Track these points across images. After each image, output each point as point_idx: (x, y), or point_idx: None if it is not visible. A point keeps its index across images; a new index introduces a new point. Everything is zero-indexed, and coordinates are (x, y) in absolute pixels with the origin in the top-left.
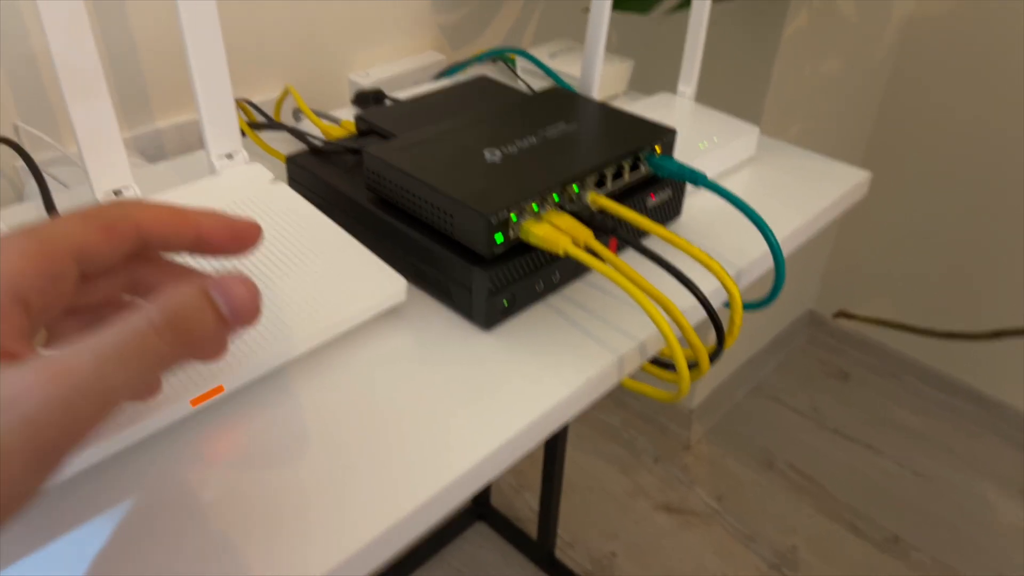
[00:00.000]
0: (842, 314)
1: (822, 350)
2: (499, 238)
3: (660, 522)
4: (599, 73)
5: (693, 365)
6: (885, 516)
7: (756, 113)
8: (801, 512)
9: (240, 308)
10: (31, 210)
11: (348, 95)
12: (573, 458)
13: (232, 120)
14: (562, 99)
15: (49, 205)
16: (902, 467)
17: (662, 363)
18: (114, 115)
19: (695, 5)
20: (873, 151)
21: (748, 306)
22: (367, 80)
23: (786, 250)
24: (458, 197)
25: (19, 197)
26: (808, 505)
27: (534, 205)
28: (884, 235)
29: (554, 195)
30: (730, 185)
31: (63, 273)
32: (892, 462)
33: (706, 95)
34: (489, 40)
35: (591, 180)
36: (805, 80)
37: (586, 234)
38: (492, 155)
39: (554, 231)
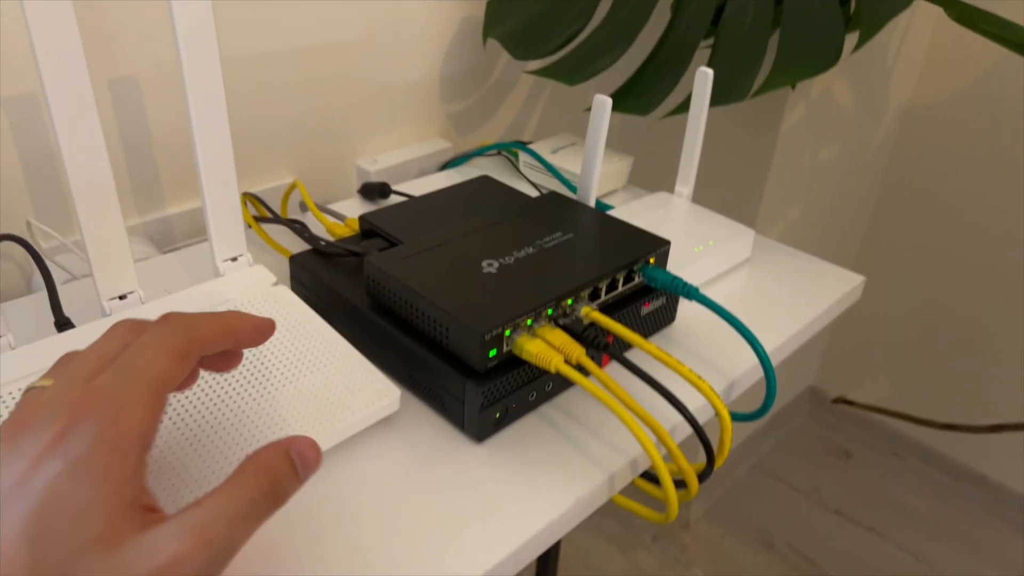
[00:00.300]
0: (841, 400)
1: (823, 427)
2: (492, 353)
3: None
4: (596, 182)
5: (683, 483)
6: None
7: (756, 198)
8: None
9: (309, 467)
10: (37, 301)
11: (356, 181)
12: (570, 536)
13: (238, 226)
14: (560, 206)
15: (54, 300)
16: (903, 551)
17: (653, 478)
18: (123, 227)
19: (692, 110)
20: (873, 234)
21: (739, 417)
22: (375, 167)
23: (778, 359)
24: (453, 311)
25: (27, 284)
26: None
27: (528, 320)
28: (884, 316)
29: (548, 309)
30: (725, 289)
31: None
32: (893, 546)
33: (706, 180)
34: (495, 128)
35: (585, 293)
36: (804, 167)
37: (578, 351)
38: (489, 266)
39: (546, 348)
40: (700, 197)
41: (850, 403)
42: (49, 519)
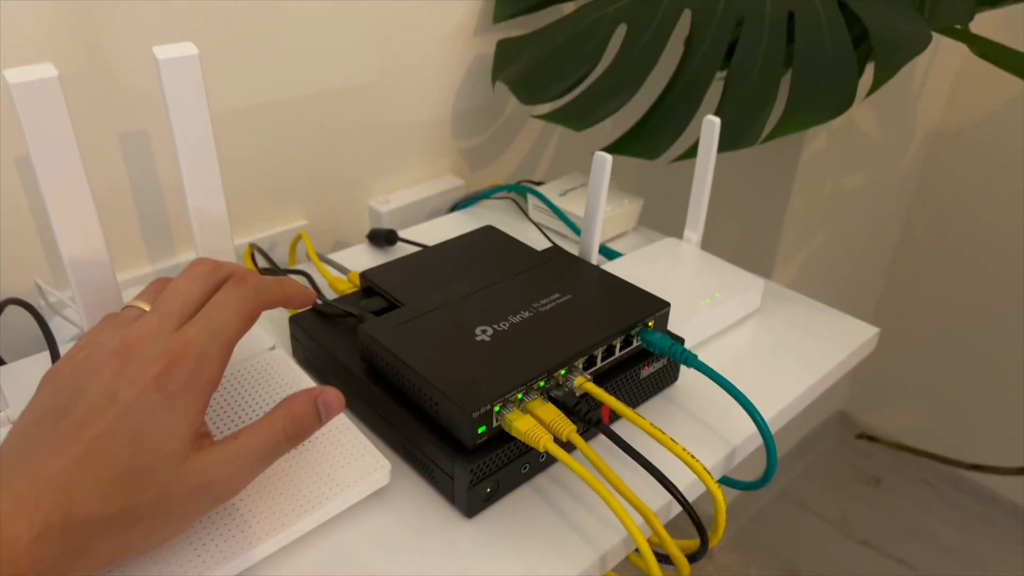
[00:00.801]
0: (865, 436)
1: (852, 453)
2: (481, 430)
3: None
4: (598, 238)
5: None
6: None
7: (776, 228)
8: None
9: (331, 414)
10: (40, 362)
11: (369, 222)
12: None
13: None
14: (560, 263)
15: (56, 359)
16: None
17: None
18: (120, 294)
19: (700, 158)
20: (901, 263)
21: (738, 485)
22: (386, 208)
23: (784, 421)
24: (442, 388)
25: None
26: None
27: (519, 394)
28: (913, 345)
29: (540, 382)
30: (731, 344)
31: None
32: None
33: (725, 211)
34: (507, 164)
35: (580, 363)
36: (826, 196)
37: (568, 428)
38: (483, 333)
39: (536, 427)
40: (718, 229)
41: (874, 439)
42: (146, 433)
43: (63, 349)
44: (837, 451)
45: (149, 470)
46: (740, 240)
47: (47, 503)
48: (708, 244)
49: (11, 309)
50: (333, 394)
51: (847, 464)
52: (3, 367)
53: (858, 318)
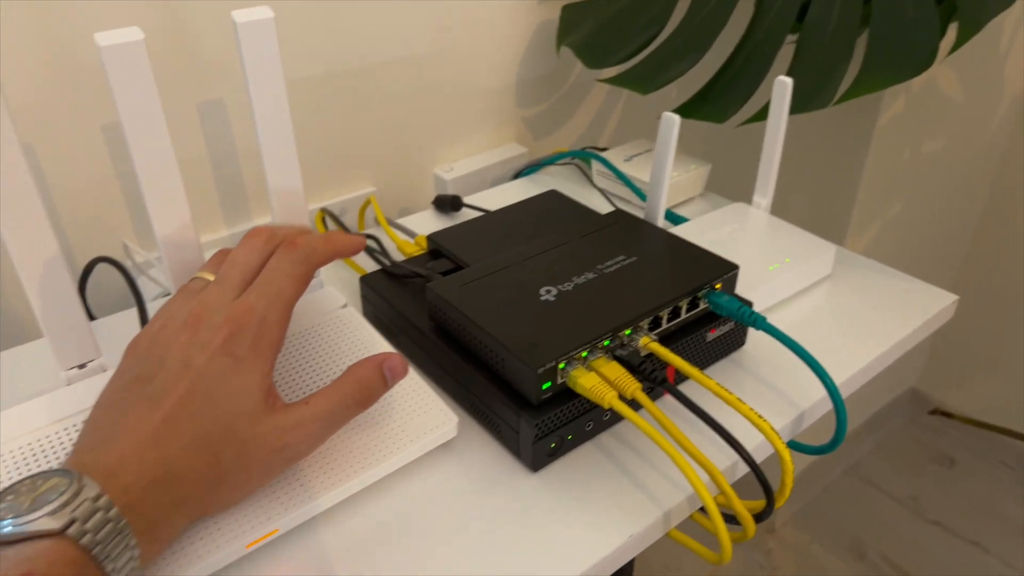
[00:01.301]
0: (939, 411)
1: (925, 432)
2: (546, 386)
3: None
4: (664, 201)
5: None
6: None
7: (850, 196)
8: None
9: (396, 378)
10: (129, 317)
11: (434, 189)
12: None
13: None
14: (626, 226)
15: (143, 315)
16: (1010, 568)
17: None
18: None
19: (771, 121)
20: (984, 233)
21: (805, 449)
22: (451, 175)
23: (854, 387)
24: (508, 344)
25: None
26: None
27: (583, 352)
28: (993, 319)
29: (605, 340)
30: (801, 309)
31: None
32: (999, 561)
33: (794, 179)
34: (570, 132)
35: (645, 323)
36: (904, 164)
37: (633, 386)
38: (548, 293)
39: (600, 384)
40: (788, 197)
41: (948, 415)
42: (220, 394)
43: (149, 306)
44: (909, 429)
45: (228, 427)
46: (812, 207)
47: (150, 457)
48: (778, 210)
49: (101, 268)
50: (397, 359)
51: (919, 443)
52: (96, 321)
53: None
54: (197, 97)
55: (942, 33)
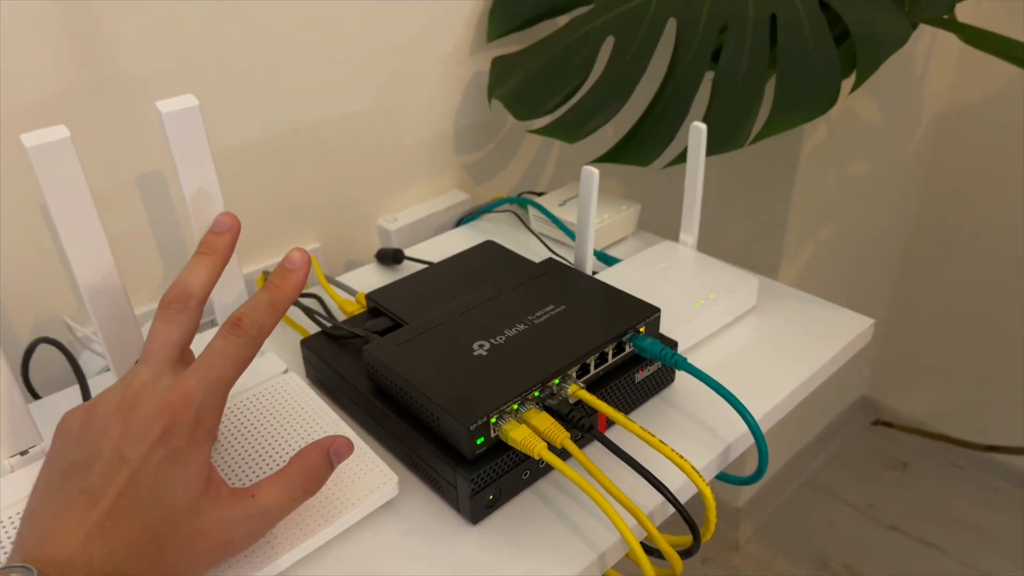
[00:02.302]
0: (881, 423)
1: (878, 438)
2: (480, 441)
3: None
4: (591, 249)
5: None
6: None
7: (781, 223)
8: None
9: (342, 460)
10: (73, 395)
11: (378, 240)
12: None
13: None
14: (556, 275)
15: (86, 395)
16: (966, 568)
17: (648, 549)
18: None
19: (689, 164)
20: (914, 248)
21: (732, 480)
22: (395, 225)
23: (779, 416)
24: (441, 403)
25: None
26: None
27: (514, 405)
28: (930, 328)
29: (535, 392)
30: (726, 343)
31: None
32: (955, 562)
33: (728, 210)
34: (510, 176)
35: (573, 371)
36: (831, 187)
37: (561, 436)
38: (480, 348)
39: (530, 436)
40: (722, 228)
41: (890, 425)
42: (161, 488)
43: (91, 381)
44: (862, 437)
45: (171, 522)
46: (746, 238)
47: (98, 554)
48: (714, 243)
49: (43, 346)
50: (342, 443)
51: (873, 449)
52: (38, 401)
53: (873, 306)
54: (135, 169)
55: (845, 73)
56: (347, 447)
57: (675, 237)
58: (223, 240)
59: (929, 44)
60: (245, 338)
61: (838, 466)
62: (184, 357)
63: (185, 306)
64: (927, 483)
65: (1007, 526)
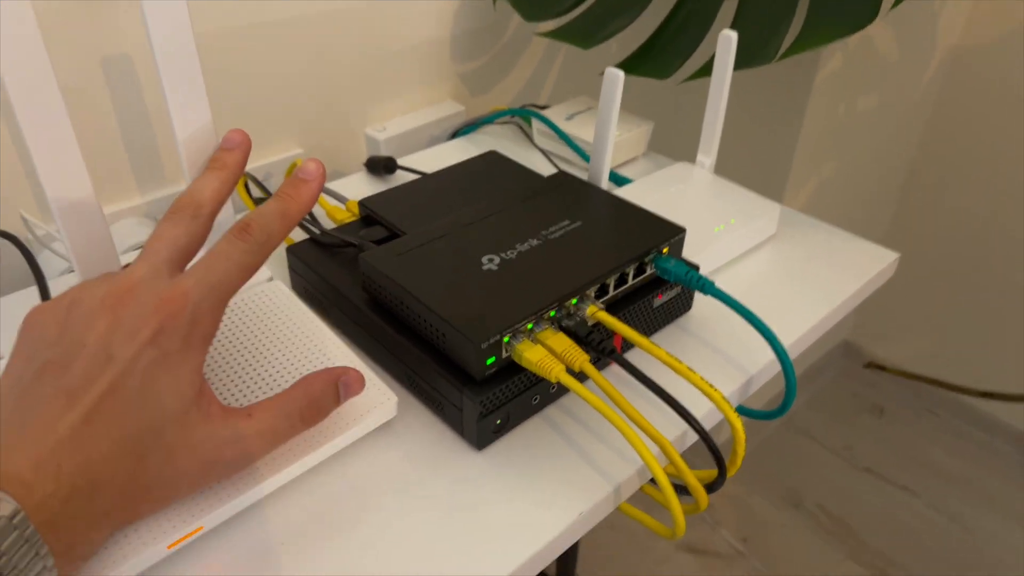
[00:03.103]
0: (873, 364)
1: (857, 383)
2: (490, 361)
3: (682, 563)
4: (608, 162)
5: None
6: (918, 564)
7: (788, 153)
8: (829, 557)
9: (351, 394)
10: (31, 296)
11: (366, 150)
12: None
13: (230, 222)
14: (569, 188)
15: (45, 296)
16: (938, 512)
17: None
18: (107, 226)
19: (715, 76)
20: (913, 188)
21: (756, 415)
22: (384, 135)
23: (802, 347)
24: (448, 318)
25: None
26: (837, 550)
27: (528, 324)
28: (922, 273)
29: (551, 311)
30: (747, 270)
31: None
32: (927, 506)
33: (735, 136)
34: (509, 88)
35: (591, 291)
36: (839, 120)
37: (580, 358)
38: (490, 262)
39: (547, 356)
40: (727, 154)
41: (882, 368)
42: (149, 392)
43: (52, 284)
44: (841, 381)
45: (156, 431)
46: (750, 165)
47: (69, 465)
48: (718, 169)
49: None
50: (354, 375)
51: (851, 394)
52: None
53: None
54: (100, 52)
55: None
56: (358, 381)
57: (681, 160)
58: (233, 156)
59: None
60: (252, 244)
61: (817, 408)
62: (185, 267)
63: (198, 213)
64: (903, 428)
65: (979, 472)
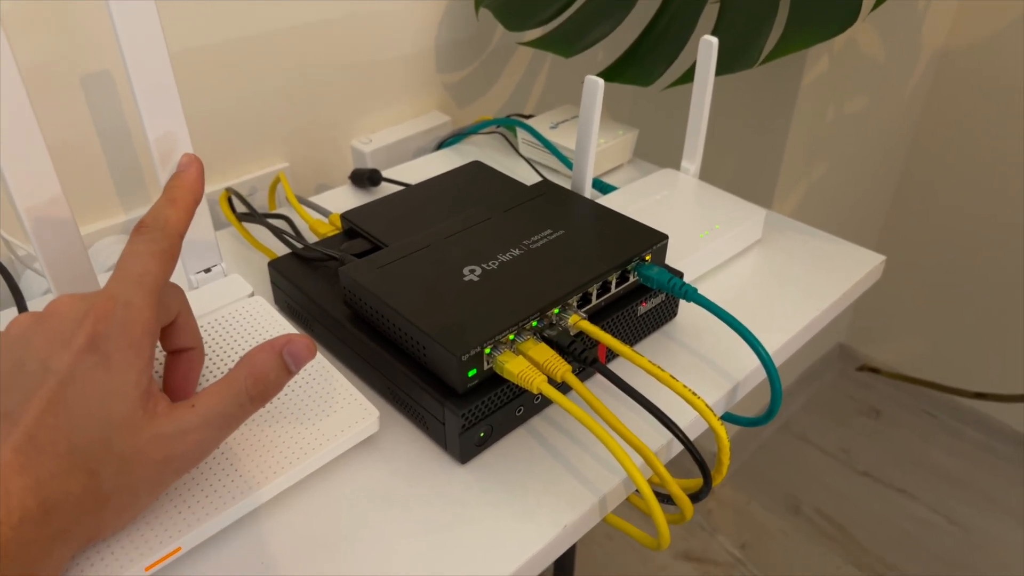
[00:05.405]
0: (867, 368)
1: (853, 385)
2: (472, 373)
3: (681, 571)
4: (591, 170)
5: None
6: (918, 568)
7: (777, 157)
8: (828, 562)
9: (301, 363)
10: (10, 316)
11: (352, 162)
12: None
13: (209, 236)
14: (552, 198)
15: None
16: (936, 514)
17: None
18: (84, 247)
19: (697, 82)
20: (904, 190)
21: (741, 421)
22: (369, 147)
23: (788, 354)
24: (428, 331)
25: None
26: (836, 555)
27: (510, 335)
28: (915, 274)
29: (532, 321)
30: (732, 276)
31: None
32: (926, 509)
33: (722, 141)
34: (495, 99)
35: (574, 300)
36: (827, 122)
37: (562, 368)
38: (472, 273)
39: (529, 369)
40: (716, 160)
41: (876, 371)
42: (92, 400)
43: (33, 304)
44: (837, 384)
45: (103, 440)
46: (739, 170)
47: (17, 487)
48: (705, 175)
49: None
50: (300, 341)
51: (847, 396)
52: None
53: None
54: (79, 69)
55: None
56: (306, 348)
57: (667, 167)
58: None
59: None
60: (151, 232)
61: (813, 412)
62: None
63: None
64: (900, 430)
65: (976, 473)
